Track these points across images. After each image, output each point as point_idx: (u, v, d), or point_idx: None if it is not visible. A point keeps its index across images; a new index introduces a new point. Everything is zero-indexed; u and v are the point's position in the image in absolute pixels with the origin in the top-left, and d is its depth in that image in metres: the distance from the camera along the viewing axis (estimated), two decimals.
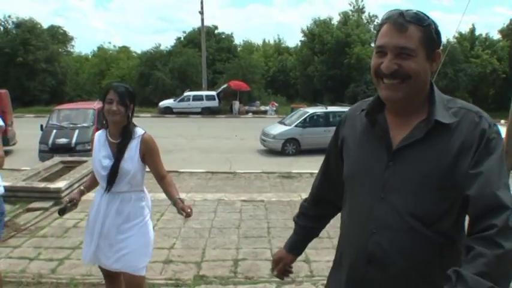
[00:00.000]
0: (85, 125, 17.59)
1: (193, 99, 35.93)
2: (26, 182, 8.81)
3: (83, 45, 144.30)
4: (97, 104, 19.28)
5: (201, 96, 37.45)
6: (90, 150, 13.22)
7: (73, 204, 3.70)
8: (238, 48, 53.25)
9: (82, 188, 3.93)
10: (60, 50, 50.45)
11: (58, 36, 53.28)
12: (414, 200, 1.76)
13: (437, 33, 1.81)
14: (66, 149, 16.22)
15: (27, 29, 45.04)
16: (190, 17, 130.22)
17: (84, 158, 11.40)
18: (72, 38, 57.26)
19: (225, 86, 38.51)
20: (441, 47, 1.85)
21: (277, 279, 5.05)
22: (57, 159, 11.10)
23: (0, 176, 4.05)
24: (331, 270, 2.23)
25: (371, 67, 1.87)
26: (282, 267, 2.43)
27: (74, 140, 16.74)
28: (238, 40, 62.20)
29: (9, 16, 46.86)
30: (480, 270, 1.49)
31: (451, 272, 1.54)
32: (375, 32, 1.91)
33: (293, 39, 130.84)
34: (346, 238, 2.02)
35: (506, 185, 1.65)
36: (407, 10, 1.78)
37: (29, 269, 5.49)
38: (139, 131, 3.58)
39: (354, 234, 1.94)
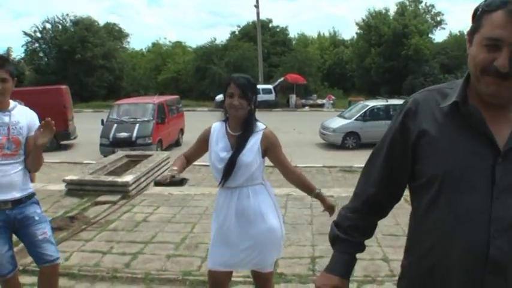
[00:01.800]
0: (145, 119, 17.77)
1: None
2: (93, 175, 8.85)
3: (137, 41, 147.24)
4: (157, 99, 19.47)
5: (258, 89, 37.35)
6: (151, 144, 13.44)
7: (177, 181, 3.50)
8: (293, 42, 52.96)
9: (183, 156, 3.71)
10: (116, 46, 51.47)
11: (114, 33, 54.54)
12: None
13: None
14: (127, 143, 16.46)
15: (84, 27, 46.21)
16: (243, 11, 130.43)
17: (149, 152, 11.43)
18: (127, 35, 58.55)
19: (281, 79, 38.37)
20: None
21: (358, 278, 4.88)
22: (121, 153, 11.16)
23: None
24: (402, 283, 1.94)
25: (475, 61, 1.62)
26: None
27: (134, 134, 16.95)
28: (292, 33, 61.73)
29: (67, 14, 48.21)
30: None
31: None
32: (472, 17, 1.63)
33: (348, 32, 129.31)
34: (450, 246, 1.68)
35: None
36: None
37: (102, 263, 5.45)
38: (260, 126, 3.41)
39: (465, 238, 1.64)
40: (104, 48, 46.63)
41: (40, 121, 3.69)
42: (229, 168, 3.30)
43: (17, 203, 3.59)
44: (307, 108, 36.89)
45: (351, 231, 1.98)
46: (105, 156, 14.79)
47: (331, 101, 37.17)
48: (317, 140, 20.00)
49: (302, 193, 8.03)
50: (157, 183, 3.37)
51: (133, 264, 5.37)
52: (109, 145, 16.76)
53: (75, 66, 44.25)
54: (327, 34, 57.57)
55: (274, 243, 3.43)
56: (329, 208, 3.55)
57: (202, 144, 3.56)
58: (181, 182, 3.33)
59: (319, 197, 3.52)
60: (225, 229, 3.40)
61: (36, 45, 48.29)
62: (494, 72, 1.54)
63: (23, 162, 3.64)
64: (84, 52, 44.42)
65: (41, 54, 48.66)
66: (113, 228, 6.68)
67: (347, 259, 1.98)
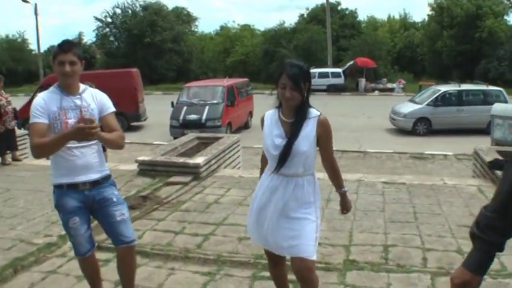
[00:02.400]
0: (215, 101, 17.96)
1: (318, 77, 35.49)
2: (164, 156, 8.99)
3: (206, 24, 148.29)
4: (226, 81, 19.59)
5: (327, 73, 37.06)
6: (220, 126, 13.57)
7: None
8: (363, 25, 52.04)
9: None
10: (185, 30, 52.22)
11: (182, 17, 55.43)
12: None
13: None
14: (197, 125, 16.72)
15: (153, 11, 47.25)
16: None
17: (219, 135, 11.51)
18: (195, 18, 59.26)
19: (351, 62, 37.88)
20: None
21: (432, 270, 4.75)
22: (192, 135, 11.29)
23: None
24: None
25: None
26: None
27: (204, 116, 17.20)
28: (362, 16, 60.61)
29: (136, 0, 49.05)
30: None
31: None
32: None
33: (419, 14, 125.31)
34: None
35: None
36: None
37: (175, 242, 5.54)
38: (314, 112, 3.34)
39: None
40: (173, 32, 47.47)
41: (112, 102, 3.74)
42: (285, 155, 3.28)
43: (95, 184, 3.67)
44: (376, 92, 36.26)
45: (487, 230, 2.00)
46: (174, 137, 15.06)
47: (401, 85, 36.35)
48: (387, 125, 19.65)
49: (373, 179, 7.96)
50: None
51: (205, 245, 5.43)
52: (179, 127, 17.11)
53: (145, 49, 45.27)
54: (397, 17, 56.18)
55: (310, 234, 3.35)
56: (345, 208, 3.62)
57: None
58: None
59: (344, 195, 3.56)
60: (266, 212, 3.40)
61: (107, 29, 49.83)
62: None
63: (98, 144, 3.68)
64: (154, 36, 45.35)
65: (111, 39, 50.26)
66: (185, 209, 6.78)
67: (481, 257, 2.03)
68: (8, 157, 10.34)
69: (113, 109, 3.74)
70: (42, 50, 49.29)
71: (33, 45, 54.37)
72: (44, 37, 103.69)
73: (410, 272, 4.64)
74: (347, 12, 51.87)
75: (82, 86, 3.71)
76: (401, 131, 18.71)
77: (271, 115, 3.46)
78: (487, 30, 39.06)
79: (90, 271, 3.94)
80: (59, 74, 3.54)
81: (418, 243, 5.31)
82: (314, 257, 3.34)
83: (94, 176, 3.67)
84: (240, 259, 4.98)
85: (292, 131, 3.29)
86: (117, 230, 3.73)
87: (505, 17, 43.21)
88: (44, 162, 10.25)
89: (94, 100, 3.67)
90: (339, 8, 51.62)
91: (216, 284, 4.51)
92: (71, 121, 3.51)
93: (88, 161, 3.63)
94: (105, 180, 3.75)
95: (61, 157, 3.57)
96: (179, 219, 6.32)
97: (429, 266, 4.78)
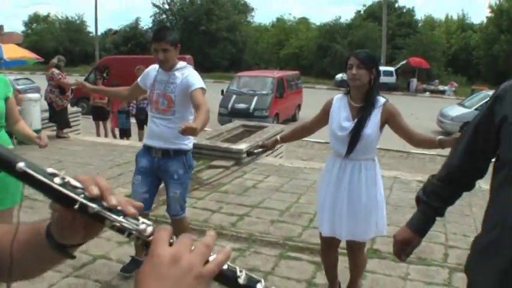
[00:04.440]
0: (264, 92, 18.17)
1: None
2: (209, 141, 9.38)
3: (262, 15, 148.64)
4: (277, 73, 19.79)
5: (379, 71, 36.75)
6: (267, 116, 13.79)
7: (263, 151, 3.87)
8: (419, 24, 51.21)
9: (278, 137, 4.13)
10: (241, 20, 52.57)
11: (239, 7, 55.67)
12: None
13: None
14: (244, 114, 16.90)
15: (211, 0, 47.48)
16: None
17: (265, 124, 11.83)
18: (252, 9, 59.48)
19: (404, 62, 37.47)
20: None
21: (451, 266, 4.96)
22: (238, 122, 11.65)
23: None
24: (472, 257, 2.12)
25: None
26: (410, 252, 2.32)
27: (252, 106, 17.42)
28: (419, 15, 59.67)
29: None
30: None
31: None
32: None
33: (479, 15, 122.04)
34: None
35: None
36: None
37: (211, 220, 5.92)
38: (381, 99, 3.55)
39: None
40: (229, 21, 47.99)
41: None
42: (355, 139, 3.46)
43: (166, 153, 4.09)
44: (427, 93, 35.81)
45: (433, 196, 2.23)
46: (222, 125, 15.44)
47: (453, 88, 35.77)
48: (434, 127, 19.53)
49: (409, 177, 8.12)
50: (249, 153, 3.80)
51: (239, 224, 5.79)
52: (227, 115, 17.35)
53: (200, 37, 45.89)
54: (455, 17, 54.98)
55: (370, 218, 3.57)
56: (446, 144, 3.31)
57: (324, 115, 3.76)
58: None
59: (441, 143, 3.37)
60: (334, 197, 3.59)
61: (164, 16, 50.90)
62: None
63: (176, 119, 4.01)
64: (209, 24, 46.01)
65: (168, 25, 50.82)
66: (224, 191, 7.15)
67: (423, 219, 2.26)
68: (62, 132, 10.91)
69: (197, 86, 3.99)
70: (99, 33, 50.66)
71: (90, 28, 55.88)
72: (102, 20, 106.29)
73: (430, 265, 4.88)
74: (404, 11, 51.12)
75: (179, 64, 4.12)
76: (448, 134, 18.46)
77: (339, 99, 3.69)
78: None
79: None
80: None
81: (442, 240, 5.52)
82: (367, 238, 3.74)
83: (164, 146, 4.07)
84: (269, 239, 5.31)
85: (361, 116, 3.48)
86: (168, 204, 4.22)
87: None
88: (94, 138, 10.79)
89: (180, 79, 4.04)
90: (396, 5, 51.00)
91: (244, 259, 4.85)
92: (156, 92, 4.08)
93: (161, 131, 4.06)
94: (177, 154, 4.11)
95: (150, 121, 4.18)
96: (217, 200, 6.70)
97: (449, 261, 4.99)
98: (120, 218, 0.83)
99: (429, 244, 5.37)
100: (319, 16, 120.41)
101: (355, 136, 3.46)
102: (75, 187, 0.84)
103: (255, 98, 17.73)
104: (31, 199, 4.80)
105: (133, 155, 4.58)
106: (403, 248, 2.31)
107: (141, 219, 0.83)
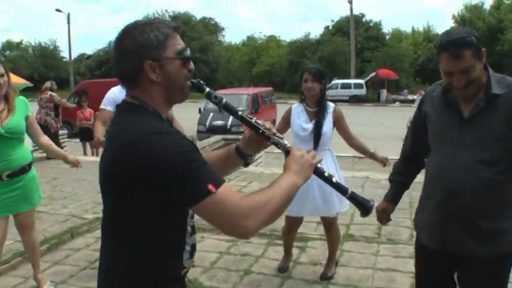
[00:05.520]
0: (240, 109, 18.52)
1: (341, 87, 36.56)
2: None
3: (233, 35, 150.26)
4: (251, 90, 20.43)
5: (349, 84, 37.87)
6: (244, 132, 14.45)
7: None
8: (387, 37, 52.63)
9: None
10: (212, 40, 53.36)
11: (210, 27, 56.42)
12: (480, 150, 2.47)
13: None
14: (222, 130, 17.27)
15: (182, 22, 48.38)
16: (336, 6, 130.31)
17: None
18: (223, 29, 60.53)
19: (373, 74, 38.58)
20: None
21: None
22: (218, 136, 12.32)
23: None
24: (419, 206, 2.92)
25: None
26: (386, 217, 3.14)
27: (229, 122, 17.94)
28: (386, 28, 61.25)
29: (166, 10, 51.11)
30: None
31: None
32: None
33: (443, 27, 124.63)
34: (435, 180, 2.65)
35: None
36: None
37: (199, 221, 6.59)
38: (331, 105, 4.51)
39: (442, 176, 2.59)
40: (201, 42, 48.81)
41: None
42: (318, 135, 4.36)
43: None
44: (397, 103, 36.92)
45: (397, 174, 3.11)
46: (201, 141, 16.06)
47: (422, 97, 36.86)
48: (403, 134, 20.34)
49: (378, 176, 8.89)
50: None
51: None
52: (205, 132, 17.84)
53: None
54: (421, 29, 56.70)
55: (334, 197, 4.37)
56: (382, 161, 4.66)
57: (285, 123, 4.66)
58: None
59: (373, 155, 4.64)
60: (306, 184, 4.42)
61: None
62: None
63: None
64: None
65: None
66: None
67: (394, 192, 3.14)
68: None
69: None
70: (72, 58, 51.20)
71: (64, 53, 56.45)
72: (75, 44, 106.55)
73: (397, 243, 5.63)
74: (372, 25, 52.54)
75: None
76: None
77: (297, 106, 4.59)
78: (508, 43, 39.83)
79: None
80: None
81: (408, 224, 6.25)
82: (336, 215, 4.67)
83: None
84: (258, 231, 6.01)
85: (318, 117, 4.40)
86: None
87: None
88: (83, 157, 11.43)
89: None
90: (364, 20, 52.39)
91: (237, 247, 5.58)
92: None
93: None
94: None
95: None
96: None
97: (414, 240, 5.73)
98: (277, 139, 1.90)
99: (397, 228, 6.13)
100: (289, 33, 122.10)
101: (317, 134, 4.38)
102: (260, 124, 1.91)
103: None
104: (37, 211, 5.42)
105: None
106: (383, 215, 3.13)
107: (284, 139, 1.93)
